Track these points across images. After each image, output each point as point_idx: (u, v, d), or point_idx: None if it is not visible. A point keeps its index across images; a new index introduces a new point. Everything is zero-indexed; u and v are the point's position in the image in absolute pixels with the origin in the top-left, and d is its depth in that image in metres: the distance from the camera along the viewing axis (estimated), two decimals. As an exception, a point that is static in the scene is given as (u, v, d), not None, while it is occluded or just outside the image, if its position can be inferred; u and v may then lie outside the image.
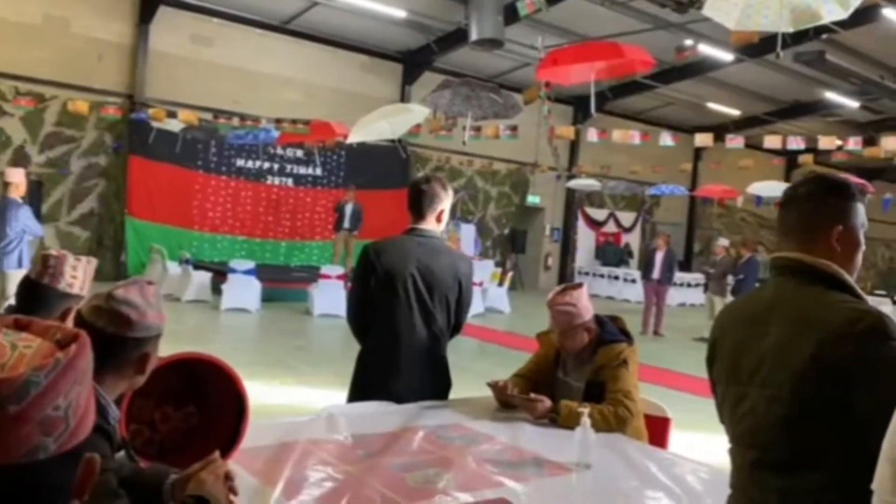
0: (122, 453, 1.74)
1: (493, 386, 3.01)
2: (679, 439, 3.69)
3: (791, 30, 5.06)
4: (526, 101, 9.68)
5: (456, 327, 3.18)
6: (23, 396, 0.77)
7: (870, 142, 14.11)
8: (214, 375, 2.05)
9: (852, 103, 16.95)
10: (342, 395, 3.18)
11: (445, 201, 3.10)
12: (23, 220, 6.36)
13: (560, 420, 2.74)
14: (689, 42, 12.95)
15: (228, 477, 1.72)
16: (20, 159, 11.92)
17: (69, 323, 1.91)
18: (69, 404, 0.81)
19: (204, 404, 2.11)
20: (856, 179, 18.03)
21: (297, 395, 6.19)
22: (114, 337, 1.56)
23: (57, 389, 0.79)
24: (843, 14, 4.85)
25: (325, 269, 11.63)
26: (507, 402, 2.97)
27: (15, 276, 6.36)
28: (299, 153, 15.15)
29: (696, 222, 22.17)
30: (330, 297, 11.07)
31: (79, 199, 12.87)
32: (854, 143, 13.44)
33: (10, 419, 0.76)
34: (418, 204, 3.06)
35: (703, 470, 2.40)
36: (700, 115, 19.02)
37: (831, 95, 16.64)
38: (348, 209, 13.40)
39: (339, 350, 9.26)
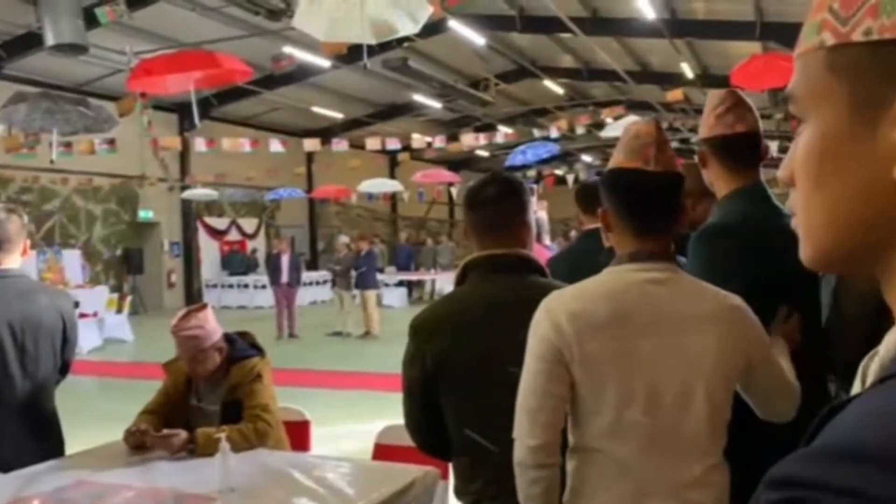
0: None
1: (130, 434, 2.75)
2: (322, 435, 3.83)
3: (374, 41, 5.50)
4: (121, 113, 8.94)
5: (63, 369, 2.89)
6: None
7: (453, 138, 16.34)
8: None
9: (436, 104, 19.15)
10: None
11: (24, 231, 2.76)
12: None
13: (198, 450, 2.63)
14: (285, 50, 13.30)
15: None
16: None
17: None
18: None
19: None
20: (446, 173, 20.44)
21: None
22: None
23: None
24: (414, 28, 5.43)
25: None
26: (140, 445, 2.75)
27: None
28: None
29: (317, 222, 22.97)
30: None
31: None
32: (440, 141, 15.45)
33: None
34: None
35: (343, 465, 2.53)
36: (308, 118, 19.68)
37: (419, 97, 18.59)
38: None
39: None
